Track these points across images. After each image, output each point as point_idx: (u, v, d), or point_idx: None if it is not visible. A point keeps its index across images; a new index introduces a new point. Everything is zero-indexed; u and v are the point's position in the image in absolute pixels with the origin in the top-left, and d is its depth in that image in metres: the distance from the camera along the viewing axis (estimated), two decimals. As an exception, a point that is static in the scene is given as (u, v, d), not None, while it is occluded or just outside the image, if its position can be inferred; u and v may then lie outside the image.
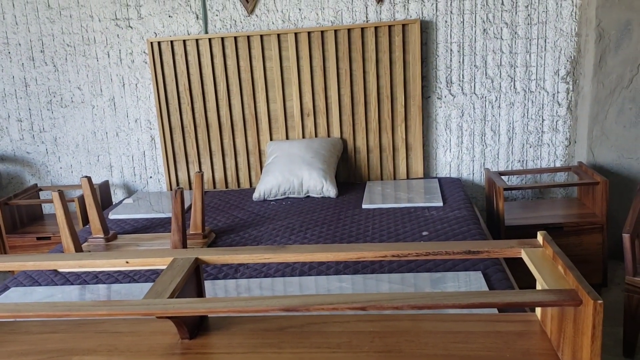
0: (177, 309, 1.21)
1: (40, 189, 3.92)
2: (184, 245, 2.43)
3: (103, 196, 3.77)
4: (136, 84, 3.81)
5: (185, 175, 3.84)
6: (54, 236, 3.52)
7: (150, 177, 3.97)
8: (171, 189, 3.87)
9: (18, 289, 2.30)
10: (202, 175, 2.69)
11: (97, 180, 3.96)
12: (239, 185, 3.84)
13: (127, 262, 1.47)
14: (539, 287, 1.47)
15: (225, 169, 3.81)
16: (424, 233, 2.61)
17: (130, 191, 4.01)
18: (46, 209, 4.07)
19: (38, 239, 3.54)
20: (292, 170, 3.37)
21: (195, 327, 1.46)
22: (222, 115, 3.73)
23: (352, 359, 1.34)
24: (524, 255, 1.47)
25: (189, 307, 1.22)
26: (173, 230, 2.40)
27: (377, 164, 3.67)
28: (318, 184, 3.34)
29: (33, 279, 2.40)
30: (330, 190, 3.34)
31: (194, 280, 1.49)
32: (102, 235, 2.71)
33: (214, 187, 3.85)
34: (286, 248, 1.54)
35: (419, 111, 3.54)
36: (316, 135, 3.68)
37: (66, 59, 3.82)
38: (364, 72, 3.54)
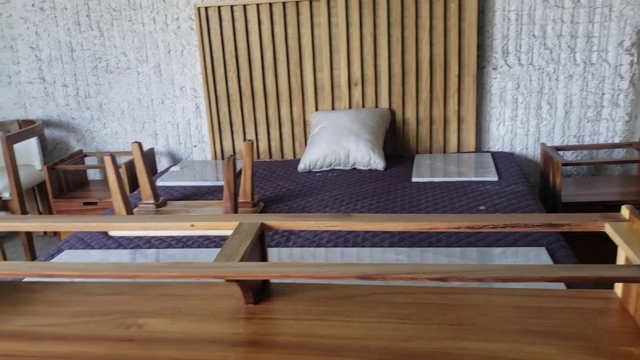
0: (250, 272, 1.17)
1: (86, 155, 3.94)
2: (236, 212, 2.40)
3: (149, 163, 3.76)
4: (182, 51, 3.76)
5: (230, 144, 3.81)
6: (100, 202, 3.54)
7: (195, 145, 3.95)
8: (216, 158, 3.84)
9: (71, 252, 2.30)
10: (252, 144, 2.64)
11: (141, 147, 3.96)
12: (282, 156, 3.79)
13: (192, 225, 1.44)
14: (620, 262, 1.39)
15: (269, 139, 3.76)
16: (481, 207, 2.52)
17: (175, 159, 4.00)
18: (90, 175, 4.09)
19: (85, 204, 3.57)
20: (338, 141, 3.30)
21: (259, 293, 1.43)
22: (268, 85, 3.66)
23: (424, 330, 1.29)
24: (608, 229, 1.38)
25: (262, 270, 1.18)
26: (225, 197, 2.37)
27: (426, 137, 3.57)
28: (365, 155, 3.26)
29: (85, 242, 2.40)
30: (377, 163, 3.26)
31: (259, 245, 1.45)
32: (153, 201, 2.69)
33: (258, 158, 3.81)
34: (353, 216, 1.48)
35: (473, 82, 3.41)
36: (363, 106, 3.60)
37: (112, 24, 3.79)
38: (417, 39, 3.41)
